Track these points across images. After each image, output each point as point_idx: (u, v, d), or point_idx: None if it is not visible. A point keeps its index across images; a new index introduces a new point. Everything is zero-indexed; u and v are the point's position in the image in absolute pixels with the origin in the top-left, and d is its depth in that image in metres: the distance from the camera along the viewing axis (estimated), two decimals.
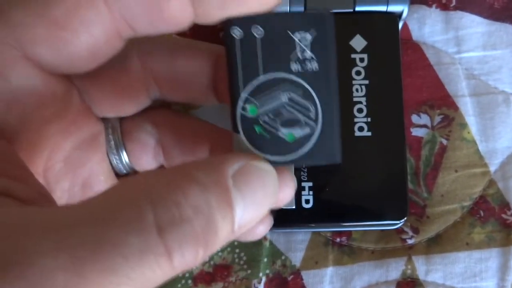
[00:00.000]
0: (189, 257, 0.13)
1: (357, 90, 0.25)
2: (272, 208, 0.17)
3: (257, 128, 0.17)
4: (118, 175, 0.23)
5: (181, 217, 0.13)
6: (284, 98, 0.17)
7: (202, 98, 0.22)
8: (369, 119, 0.25)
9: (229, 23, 0.17)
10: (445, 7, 0.29)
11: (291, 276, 0.27)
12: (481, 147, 0.28)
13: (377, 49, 0.25)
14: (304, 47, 0.17)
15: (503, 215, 0.27)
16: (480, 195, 0.27)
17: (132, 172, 0.24)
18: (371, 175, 0.25)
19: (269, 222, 0.20)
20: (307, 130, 0.17)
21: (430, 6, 0.29)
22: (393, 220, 0.25)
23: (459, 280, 0.26)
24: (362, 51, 0.25)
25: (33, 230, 0.12)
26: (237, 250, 0.27)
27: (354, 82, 0.25)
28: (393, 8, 0.26)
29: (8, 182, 0.14)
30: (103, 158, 0.22)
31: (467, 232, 0.27)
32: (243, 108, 0.17)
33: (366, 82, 0.25)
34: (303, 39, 0.17)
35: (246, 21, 0.17)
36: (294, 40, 0.17)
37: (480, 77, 0.28)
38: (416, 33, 0.29)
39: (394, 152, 0.25)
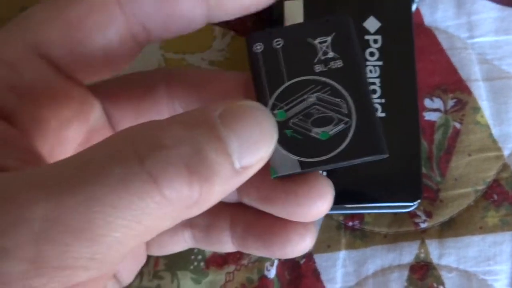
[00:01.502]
0: (183, 187, 0.13)
1: (370, 71, 0.25)
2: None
3: (288, 132, 0.17)
4: None
5: (160, 144, 0.13)
6: (312, 98, 0.17)
7: None
8: (383, 100, 0.25)
9: (251, 40, 0.18)
10: None
11: (304, 260, 0.27)
12: (495, 131, 0.28)
13: (390, 31, 0.25)
14: (326, 49, 0.17)
15: None
16: (493, 179, 0.27)
17: None
18: None
19: (313, 236, 0.20)
20: (341, 126, 0.17)
21: None
22: (407, 202, 0.25)
23: (472, 263, 0.26)
24: (376, 33, 0.25)
25: (12, 180, 0.13)
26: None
27: (368, 63, 0.25)
28: None
29: None
30: None
31: (480, 216, 0.27)
32: (272, 115, 0.17)
33: (380, 63, 0.25)
34: (323, 42, 0.17)
35: (266, 36, 0.18)
36: (315, 45, 0.17)
37: (493, 62, 0.28)
38: (428, 18, 0.29)
39: (409, 133, 0.25)
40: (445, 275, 0.26)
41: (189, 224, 0.21)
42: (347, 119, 0.17)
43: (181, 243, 0.21)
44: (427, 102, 0.28)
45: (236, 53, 0.28)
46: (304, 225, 0.19)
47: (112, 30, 0.16)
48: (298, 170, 0.17)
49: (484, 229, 0.27)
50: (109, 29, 0.16)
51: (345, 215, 0.27)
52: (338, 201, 0.25)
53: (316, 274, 0.27)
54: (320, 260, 0.27)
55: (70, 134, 0.18)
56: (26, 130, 0.16)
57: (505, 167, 0.27)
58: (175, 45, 0.29)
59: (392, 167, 0.25)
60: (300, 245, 0.19)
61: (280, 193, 0.18)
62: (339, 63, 0.17)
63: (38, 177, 0.12)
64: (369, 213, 0.27)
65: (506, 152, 0.27)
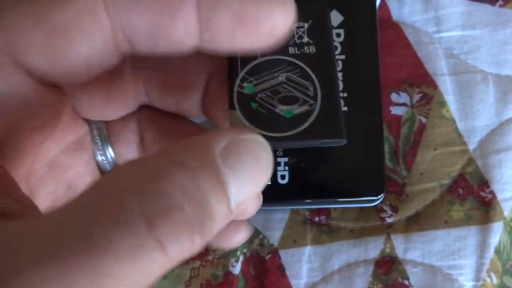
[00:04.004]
0: (186, 245, 0.12)
1: None
2: None
3: (253, 105, 0.17)
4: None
5: (171, 206, 0.12)
6: (281, 77, 0.18)
7: (191, 111, 0.22)
8: (345, 95, 0.25)
9: None
10: None
11: (269, 255, 0.27)
12: (460, 125, 0.27)
13: (353, 25, 0.25)
14: (302, 34, 0.18)
15: (482, 193, 0.27)
16: (459, 173, 0.27)
17: None
18: (348, 150, 0.25)
19: (247, 230, 0.19)
20: (305, 107, 0.17)
21: None
22: (370, 196, 0.25)
23: (437, 258, 0.26)
24: (339, 27, 0.25)
25: (16, 245, 0.11)
26: None
27: None
28: None
29: None
30: (89, 159, 0.21)
31: (445, 210, 0.27)
32: (240, 86, 0.18)
33: (343, 57, 0.25)
34: (300, 27, 0.18)
35: None
36: (292, 29, 0.17)
37: (460, 56, 0.28)
38: (395, 13, 0.29)
39: (371, 127, 0.25)
40: (410, 270, 0.26)
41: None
42: (312, 102, 0.17)
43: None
44: (394, 97, 0.28)
45: None
46: None
47: (97, 39, 0.15)
48: None
49: (449, 223, 0.27)
50: (94, 38, 0.15)
51: (311, 210, 0.27)
52: (303, 196, 0.25)
53: (281, 270, 0.27)
54: (285, 256, 0.27)
55: (41, 139, 0.17)
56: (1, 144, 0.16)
57: (470, 161, 0.27)
58: None
59: (355, 161, 0.25)
60: None
61: None
62: (312, 49, 0.18)
63: (42, 247, 0.11)
64: (335, 208, 0.27)
65: (471, 146, 0.27)
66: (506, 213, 0.26)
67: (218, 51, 0.16)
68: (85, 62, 0.16)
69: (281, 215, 0.27)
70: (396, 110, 0.28)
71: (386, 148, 0.27)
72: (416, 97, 0.28)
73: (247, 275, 0.27)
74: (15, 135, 0.16)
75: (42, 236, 0.11)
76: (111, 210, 0.12)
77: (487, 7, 0.29)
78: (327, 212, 0.27)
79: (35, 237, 0.12)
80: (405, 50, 0.28)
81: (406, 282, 0.26)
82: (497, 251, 0.26)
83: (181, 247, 0.12)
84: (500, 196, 0.27)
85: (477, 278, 0.26)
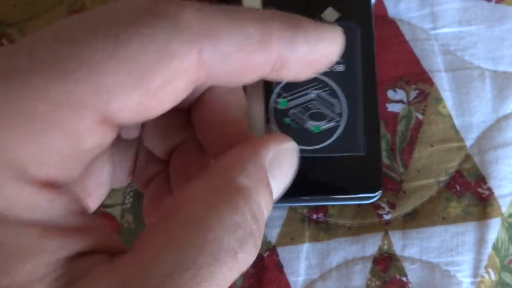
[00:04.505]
0: (251, 253, 0.14)
1: None
2: None
3: (286, 120, 0.20)
4: None
5: (246, 233, 0.14)
6: (312, 94, 0.20)
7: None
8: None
9: None
10: None
11: (267, 253, 0.27)
12: (457, 121, 0.27)
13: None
14: None
15: (479, 189, 0.27)
16: (456, 169, 0.27)
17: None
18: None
19: None
20: (332, 124, 0.20)
21: None
22: (368, 193, 0.25)
23: (435, 254, 0.26)
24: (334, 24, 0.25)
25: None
26: None
27: None
28: None
29: (90, 236, 0.14)
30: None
31: (443, 206, 0.27)
32: (276, 102, 0.20)
33: None
34: None
35: None
36: None
37: (456, 53, 0.28)
38: (392, 10, 0.29)
39: (369, 125, 0.25)
40: (408, 267, 0.26)
41: None
42: (338, 118, 0.20)
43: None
44: (390, 94, 0.28)
45: None
46: None
47: (88, 135, 0.14)
48: None
49: (446, 220, 0.27)
50: (82, 132, 0.14)
51: (309, 208, 0.27)
52: (301, 193, 0.25)
53: (279, 267, 0.27)
54: (283, 253, 0.27)
55: None
56: None
57: (467, 157, 0.27)
58: None
59: (352, 159, 0.25)
60: None
61: None
62: (341, 68, 0.20)
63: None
64: (333, 206, 0.27)
65: (468, 143, 0.27)
66: (503, 209, 0.26)
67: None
68: (74, 150, 0.14)
69: (279, 213, 0.27)
70: (392, 107, 0.28)
71: (383, 145, 0.27)
72: (413, 94, 0.28)
73: (245, 273, 0.27)
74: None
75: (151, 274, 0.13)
76: (209, 246, 0.13)
77: (483, 3, 0.29)
78: (325, 209, 0.27)
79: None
80: (401, 47, 0.28)
81: (404, 279, 0.26)
82: (495, 247, 0.26)
83: (248, 256, 0.14)
84: (497, 192, 0.27)
85: (475, 274, 0.26)
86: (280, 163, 0.15)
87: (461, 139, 0.27)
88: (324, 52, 0.16)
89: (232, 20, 0.14)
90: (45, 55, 0.13)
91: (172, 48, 0.13)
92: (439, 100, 0.28)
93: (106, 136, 0.14)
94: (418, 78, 0.28)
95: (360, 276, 0.26)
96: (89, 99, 0.13)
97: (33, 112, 0.12)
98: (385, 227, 0.27)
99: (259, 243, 0.15)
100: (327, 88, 0.20)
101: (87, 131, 0.13)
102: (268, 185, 0.15)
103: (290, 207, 0.27)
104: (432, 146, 0.27)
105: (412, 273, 0.26)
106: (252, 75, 0.15)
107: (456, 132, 0.27)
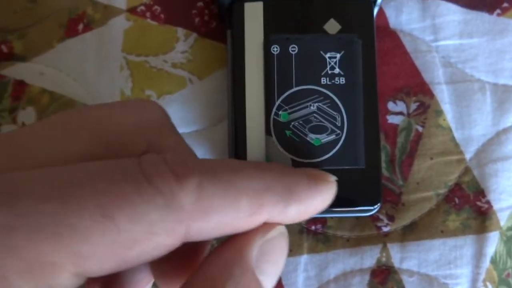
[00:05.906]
0: None
1: None
2: None
3: (287, 132, 0.19)
4: None
5: None
6: (313, 107, 0.19)
7: None
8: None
9: (270, 41, 0.20)
10: None
11: None
12: (457, 134, 0.27)
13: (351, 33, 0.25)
14: (334, 65, 0.20)
15: (478, 203, 0.27)
16: (455, 182, 0.27)
17: None
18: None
19: None
20: (332, 137, 0.20)
21: None
22: (366, 206, 0.25)
23: (433, 267, 0.26)
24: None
25: None
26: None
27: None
28: None
29: None
30: None
31: (442, 219, 0.27)
32: (276, 114, 0.20)
33: None
34: (332, 57, 0.20)
35: (284, 40, 0.20)
36: (325, 58, 0.20)
37: (457, 65, 0.28)
38: (393, 21, 0.29)
39: (369, 138, 0.25)
40: (406, 279, 0.26)
41: None
42: (338, 131, 0.20)
43: None
44: (391, 105, 0.28)
45: (199, 55, 0.28)
46: None
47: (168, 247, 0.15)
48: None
49: (445, 233, 0.27)
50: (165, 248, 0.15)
51: (307, 219, 0.27)
52: None
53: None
54: None
55: None
56: None
57: (466, 170, 0.27)
58: (137, 48, 0.28)
59: (352, 172, 0.25)
60: None
61: None
62: (342, 80, 0.20)
63: None
64: (331, 217, 0.27)
65: (468, 156, 0.27)
66: (502, 223, 0.26)
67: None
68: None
69: None
70: (393, 119, 0.28)
71: (383, 157, 0.27)
72: (413, 106, 0.28)
73: None
74: None
75: None
76: None
77: (485, 15, 0.29)
78: (323, 221, 0.27)
79: None
80: (402, 59, 0.28)
81: None
82: (493, 260, 0.26)
83: None
84: (496, 206, 0.27)
85: (473, 287, 0.26)
86: (269, 255, 0.15)
87: (460, 152, 0.27)
88: (316, 209, 0.17)
89: (227, 194, 0.14)
90: (33, 214, 0.13)
91: (160, 228, 0.13)
92: (439, 112, 0.28)
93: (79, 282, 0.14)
94: (419, 90, 0.28)
95: None
96: (62, 261, 0.13)
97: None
98: (384, 239, 0.27)
99: None
100: (328, 101, 0.20)
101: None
102: (258, 285, 0.15)
103: None
104: (431, 158, 0.27)
105: (410, 285, 0.26)
106: (235, 232, 0.15)
107: (456, 145, 0.27)
